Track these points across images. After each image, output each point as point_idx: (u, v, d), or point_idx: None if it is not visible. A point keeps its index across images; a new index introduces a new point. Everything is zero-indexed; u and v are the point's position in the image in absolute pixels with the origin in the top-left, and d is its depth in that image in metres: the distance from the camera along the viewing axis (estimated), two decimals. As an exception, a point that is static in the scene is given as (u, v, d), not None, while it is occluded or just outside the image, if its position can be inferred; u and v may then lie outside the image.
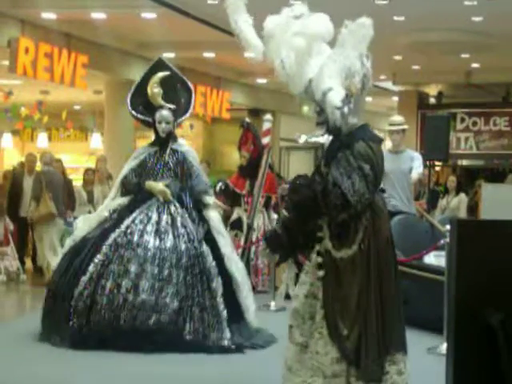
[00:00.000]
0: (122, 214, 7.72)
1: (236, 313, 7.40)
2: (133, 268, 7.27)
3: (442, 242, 7.84)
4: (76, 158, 24.09)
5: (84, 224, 7.88)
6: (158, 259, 7.32)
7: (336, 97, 4.77)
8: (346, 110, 4.80)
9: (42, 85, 17.55)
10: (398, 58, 17.41)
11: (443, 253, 7.82)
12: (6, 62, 14.13)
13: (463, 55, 17.63)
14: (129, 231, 7.47)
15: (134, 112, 8.05)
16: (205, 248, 7.47)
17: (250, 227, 10.46)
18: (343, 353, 4.75)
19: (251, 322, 7.56)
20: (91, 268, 7.29)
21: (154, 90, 7.93)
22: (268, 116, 11.10)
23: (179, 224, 7.57)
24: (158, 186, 7.76)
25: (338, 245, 4.85)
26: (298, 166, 22.49)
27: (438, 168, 21.16)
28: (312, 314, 4.92)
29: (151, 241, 7.42)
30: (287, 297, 9.73)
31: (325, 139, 5.08)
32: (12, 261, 12.06)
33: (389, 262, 4.89)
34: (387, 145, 9.76)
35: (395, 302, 4.87)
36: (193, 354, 7.01)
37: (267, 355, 7.08)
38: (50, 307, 7.57)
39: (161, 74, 7.97)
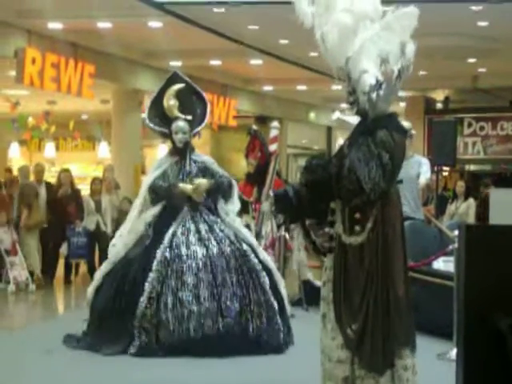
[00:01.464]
0: (158, 228, 7.81)
1: (280, 303, 7.66)
2: (189, 279, 7.43)
3: (450, 247, 7.83)
4: (84, 168, 24.14)
5: (119, 242, 7.94)
6: (209, 266, 7.52)
7: (367, 81, 4.75)
8: (374, 95, 4.74)
9: (49, 95, 17.58)
10: (404, 63, 17.41)
11: (452, 258, 7.81)
12: (13, 73, 14.16)
13: (470, 60, 17.62)
14: (174, 245, 7.61)
15: (151, 124, 8.17)
16: (246, 247, 7.71)
17: (258, 234, 10.45)
18: (346, 340, 4.75)
19: (288, 311, 7.85)
20: (147, 287, 7.39)
21: (170, 102, 8.07)
22: (275, 123, 11.09)
23: (217, 230, 7.79)
24: (190, 186, 7.88)
25: (349, 230, 4.82)
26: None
27: (445, 173, 21.13)
28: None
29: (198, 250, 7.60)
30: (296, 303, 9.78)
31: (356, 119, 5.03)
32: (21, 270, 12.07)
33: (397, 255, 4.82)
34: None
35: (402, 297, 4.80)
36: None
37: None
38: (100, 324, 7.65)
39: (176, 87, 8.11)
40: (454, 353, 6.70)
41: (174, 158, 8.12)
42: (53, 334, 8.09)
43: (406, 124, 10.04)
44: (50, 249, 13.04)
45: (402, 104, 23.35)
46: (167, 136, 8.20)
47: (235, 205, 8.14)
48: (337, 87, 18.33)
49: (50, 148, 22.10)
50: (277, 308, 7.55)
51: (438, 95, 23.34)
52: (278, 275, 7.89)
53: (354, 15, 4.87)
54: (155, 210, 7.94)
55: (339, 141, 25.38)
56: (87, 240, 12.98)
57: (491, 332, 3.52)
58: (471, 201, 14.96)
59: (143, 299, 7.35)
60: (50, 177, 15.35)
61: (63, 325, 8.58)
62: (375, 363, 4.71)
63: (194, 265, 7.50)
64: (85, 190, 14.84)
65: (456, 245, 7.33)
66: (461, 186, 15.20)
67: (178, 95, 8.09)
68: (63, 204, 12.88)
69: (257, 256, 7.72)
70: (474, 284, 3.62)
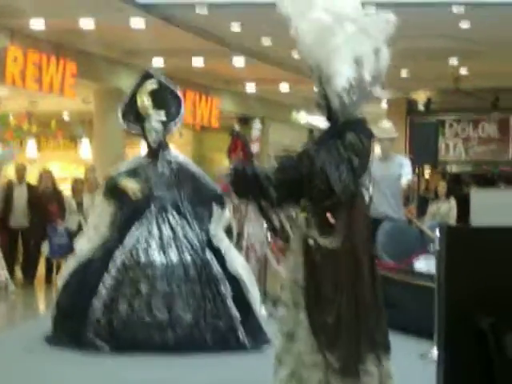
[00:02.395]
0: (120, 229, 7.79)
1: (246, 312, 7.53)
2: (144, 288, 7.40)
3: (431, 247, 7.85)
4: (65, 167, 24.01)
5: (85, 244, 7.93)
6: (166, 276, 7.45)
7: (339, 83, 4.72)
8: (346, 98, 4.74)
9: (31, 94, 17.50)
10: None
11: (433, 257, 7.83)
12: (-5, 72, 14.09)
13: (451, 62, 17.68)
14: (134, 251, 7.57)
15: (125, 124, 8.14)
16: (208, 255, 7.61)
17: (240, 235, 10.45)
18: (319, 345, 4.75)
19: (260, 318, 7.70)
20: (103, 292, 7.40)
21: (144, 101, 8.01)
22: (257, 123, 11.10)
23: (181, 235, 7.70)
24: (131, 183, 7.85)
25: (322, 232, 4.79)
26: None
27: (427, 175, 21.18)
28: (295, 301, 4.88)
29: (157, 258, 7.55)
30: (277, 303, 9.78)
31: (323, 122, 5.01)
32: (0, 270, 11.99)
33: (364, 258, 4.82)
34: (376, 152, 9.77)
35: (370, 301, 4.80)
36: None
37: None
38: (63, 321, 7.69)
39: (149, 85, 8.06)
40: (435, 352, 6.72)
41: (148, 160, 8.09)
42: (34, 333, 8.06)
43: (388, 125, 10.10)
44: (31, 247, 13.00)
45: (384, 105, 23.40)
46: (142, 136, 8.14)
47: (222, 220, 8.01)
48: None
49: (31, 147, 21.98)
50: (239, 317, 7.43)
51: (420, 96, 23.40)
52: (247, 283, 7.68)
53: (333, 15, 4.83)
54: (111, 208, 7.93)
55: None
56: (68, 240, 12.93)
57: (472, 331, 3.53)
58: (453, 202, 14.99)
59: (98, 305, 7.37)
60: (32, 176, 15.22)
61: (44, 325, 8.53)
62: (350, 369, 4.72)
63: (150, 273, 7.45)
64: (66, 189, 14.77)
65: (437, 245, 7.35)
66: (442, 186, 15.22)
67: (152, 94, 8.04)
68: (44, 203, 12.83)
69: (223, 264, 7.61)
70: (455, 284, 3.64)
